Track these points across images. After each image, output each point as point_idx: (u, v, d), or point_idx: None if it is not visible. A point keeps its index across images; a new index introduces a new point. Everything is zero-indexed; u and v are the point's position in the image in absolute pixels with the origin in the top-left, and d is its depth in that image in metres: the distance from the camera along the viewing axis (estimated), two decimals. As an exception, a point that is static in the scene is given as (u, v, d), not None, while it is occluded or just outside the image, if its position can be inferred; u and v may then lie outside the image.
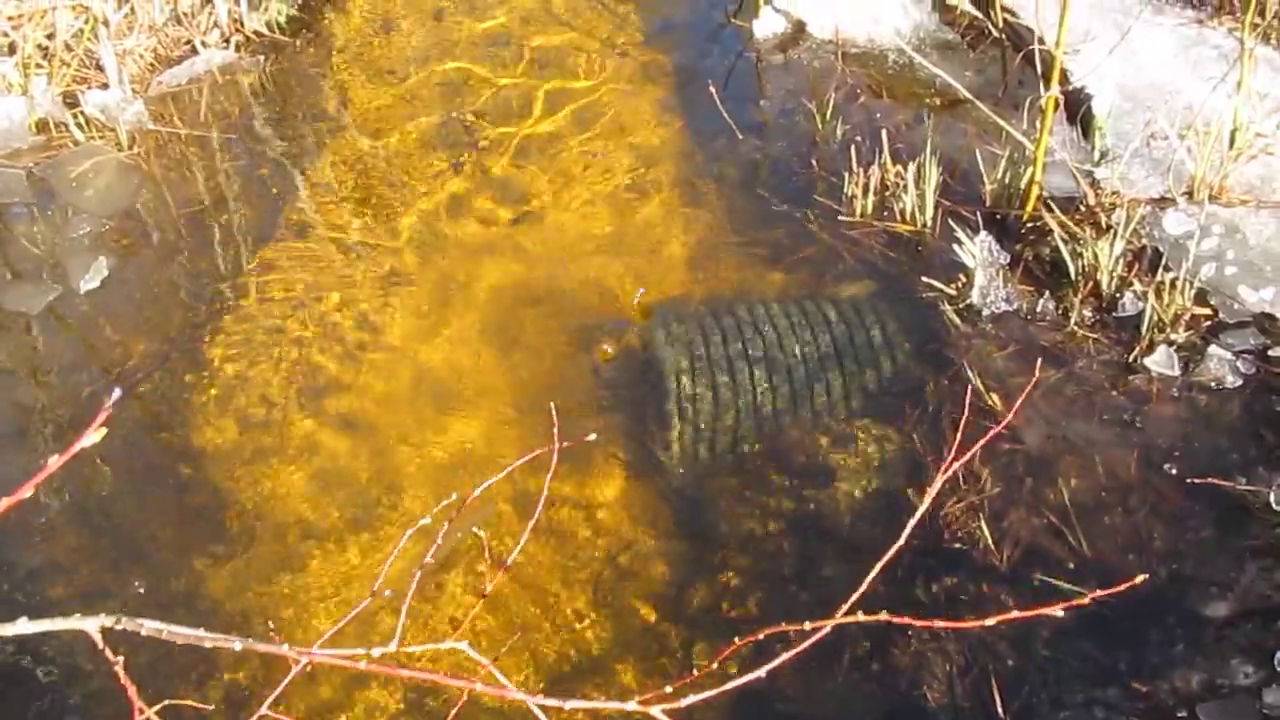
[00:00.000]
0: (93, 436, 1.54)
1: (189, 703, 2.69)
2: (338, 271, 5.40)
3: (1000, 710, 3.57)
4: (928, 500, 1.71)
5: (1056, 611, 1.43)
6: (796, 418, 4.50)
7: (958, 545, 3.98)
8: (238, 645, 1.67)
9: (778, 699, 3.70)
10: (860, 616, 1.48)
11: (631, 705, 1.43)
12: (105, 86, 6.37)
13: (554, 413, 2.55)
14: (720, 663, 1.69)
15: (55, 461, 1.51)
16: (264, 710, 1.82)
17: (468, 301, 5.18)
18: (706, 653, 3.76)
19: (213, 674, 3.93)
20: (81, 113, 6.25)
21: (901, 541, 1.68)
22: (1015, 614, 1.53)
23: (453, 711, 2.52)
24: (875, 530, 4.10)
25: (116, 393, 1.62)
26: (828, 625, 1.50)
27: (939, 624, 1.61)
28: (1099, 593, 1.67)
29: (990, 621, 1.50)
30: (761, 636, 1.61)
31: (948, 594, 3.87)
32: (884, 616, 1.48)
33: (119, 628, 1.79)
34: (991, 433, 2.17)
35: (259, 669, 3.94)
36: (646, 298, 5.03)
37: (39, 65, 6.33)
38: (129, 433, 4.78)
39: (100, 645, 1.78)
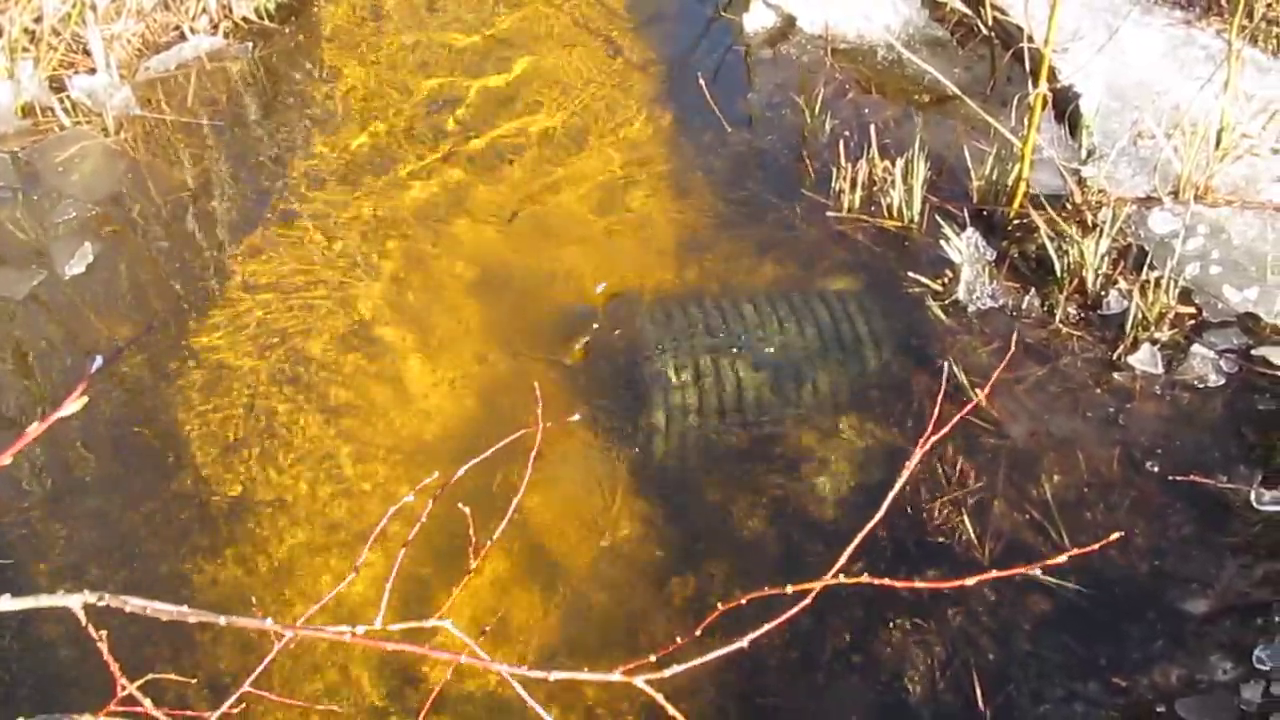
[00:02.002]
0: (73, 405, 1.53)
1: (171, 676, 2.68)
2: (324, 259, 5.38)
3: (981, 703, 3.58)
4: (906, 473, 1.72)
5: (1035, 570, 1.44)
6: (781, 409, 4.51)
7: (941, 539, 3.99)
8: (222, 621, 1.67)
9: (759, 692, 3.71)
10: (843, 579, 1.48)
11: (615, 676, 1.43)
12: (92, 71, 6.34)
13: (538, 393, 2.55)
14: (702, 630, 1.68)
15: (35, 429, 1.51)
16: (246, 687, 1.82)
17: (454, 290, 5.18)
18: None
19: (194, 660, 3.93)
20: (68, 97, 6.23)
21: (883, 513, 1.69)
22: (994, 573, 1.54)
23: (435, 690, 2.52)
24: (858, 521, 4.08)
25: (98, 361, 1.62)
26: (812, 588, 1.51)
27: (919, 584, 1.61)
28: (1074, 551, 1.68)
29: (970, 582, 1.52)
30: (744, 601, 1.61)
31: (930, 587, 3.88)
32: (865, 578, 1.49)
33: (102, 604, 1.78)
34: (968, 408, 2.18)
35: (240, 651, 3.93)
36: (625, 288, 5.04)
37: (25, 49, 6.30)
38: (112, 419, 4.76)
39: (84, 622, 1.77)
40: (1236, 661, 3.59)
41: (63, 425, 4.61)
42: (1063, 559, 1.58)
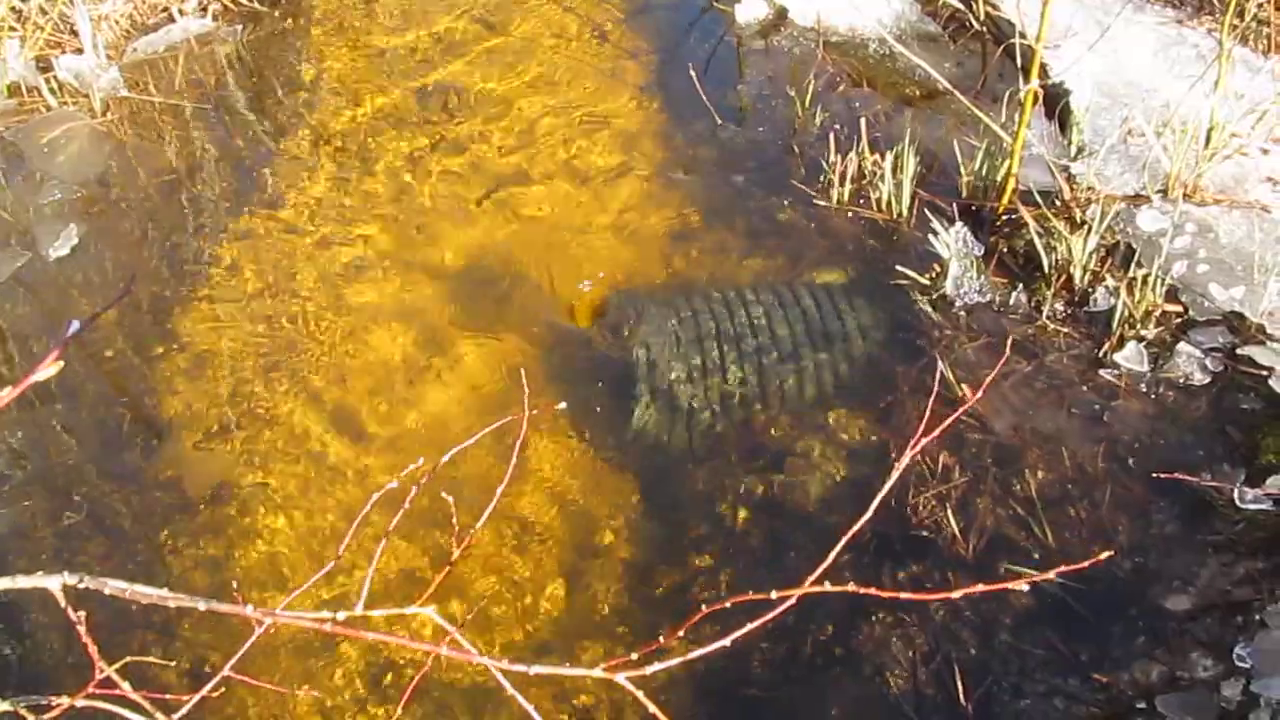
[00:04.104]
0: (48, 370, 1.52)
1: (151, 659, 2.67)
2: (310, 244, 5.36)
3: (962, 698, 3.59)
4: (895, 475, 1.71)
5: (1022, 586, 1.44)
6: (767, 402, 4.50)
7: (924, 534, 3.99)
8: (201, 606, 1.66)
9: (742, 685, 3.71)
10: (827, 586, 1.48)
11: (596, 672, 1.42)
12: (80, 52, 6.30)
13: (524, 380, 2.54)
14: (685, 630, 1.68)
15: (9, 393, 1.49)
16: (226, 671, 1.81)
17: (439, 277, 5.16)
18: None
19: (174, 645, 3.91)
20: (55, 78, 6.19)
21: (870, 514, 1.68)
22: (980, 587, 1.53)
23: (415, 678, 2.51)
24: (843, 516, 4.11)
25: (74, 325, 1.59)
26: (794, 595, 1.50)
27: (904, 595, 1.60)
28: (1064, 568, 1.67)
29: (956, 595, 1.51)
30: (728, 605, 1.60)
31: (914, 582, 3.88)
32: (851, 587, 1.48)
33: (82, 586, 1.77)
34: (959, 411, 2.17)
35: (221, 637, 3.92)
36: (612, 278, 5.01)
37: (12, 28, 6.26)
38: (95, 402, 4.74)
39: (63, 603, 1.76)
40: (1217, 659, 3.60)
41: (45, 409, 4.60)
42: (1051, 575, 1.58)
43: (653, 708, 1.39)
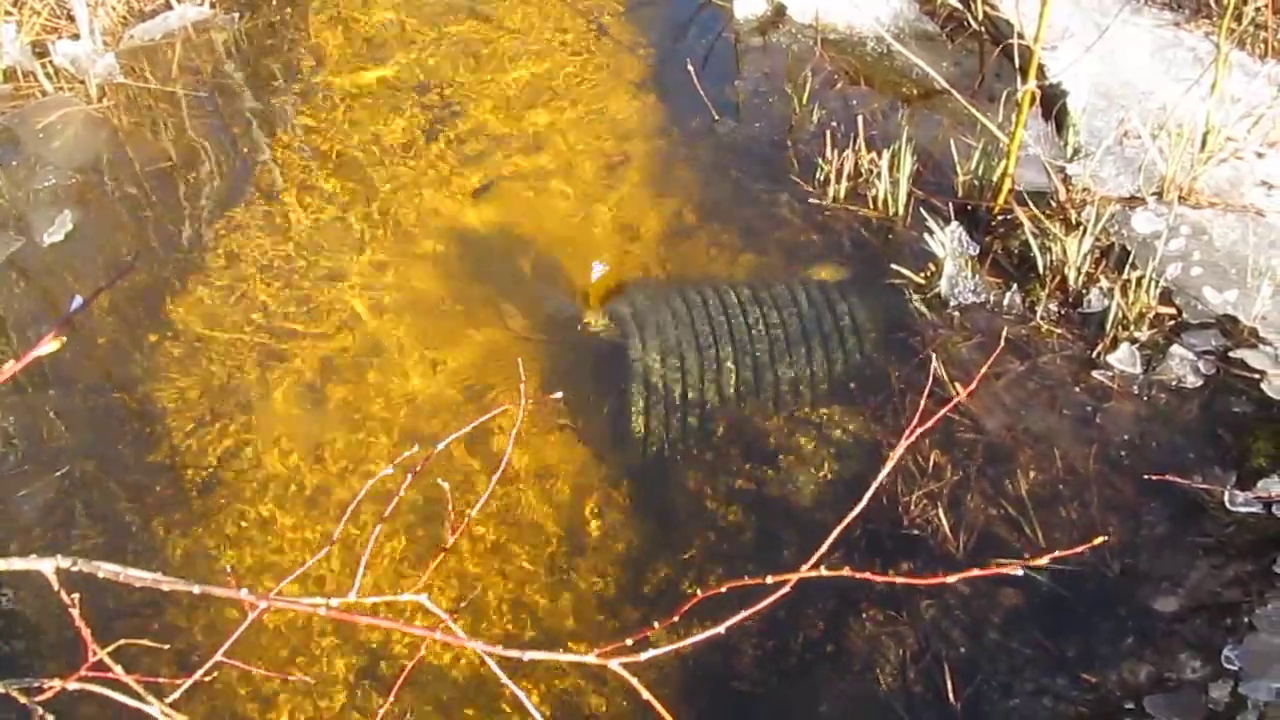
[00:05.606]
0: (49, 345, 1.51)
1: (144, 642, 2.67)
2: (305, 234, 5.35)
3: (952, 696, 3.59)
4: (889, 466, 1.72)
5: (1016, 571, 1.44)
6: (761, 399, 4.51)
7: (916, 532, 4.00)
8: (196, 589, 1.66)
9: (731, 679, 3.71)
10: (823, 570, 1.48)
11: (589, 658, 1.42)
12: (76, 37, 6.28)
13: (520, 370, 2.54)
14: (679, 617, 1.68)
15: (10, 367, 1.49)
16: (219, 656, 1.81)
17: (434, 269, 5.16)
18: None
19: (166, 631, 3.91)
20: (51, 63, 6.17)
21: (863, 505, 1.69)
22: (975, 571, 1.54)
23: (407, 667, 2.51)
24: (835, 512, 4.11)
25: (77, 301, 1.58)
26: (790, 579, 1.50)
27: (899, 580, 1.60)
28: (1057, 553, 1.68)
29: (951, 579, 1.51)
30: (723, 590, 1.61)
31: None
32: (846, 571, 1.48)
33: (75, 569, 1.77)
34: (951, 404, 2.18)
35: (213, 623, 3.92)
36: (610, 278, 5.00)
37: (9, 12, 6.24)
38: (89, 389, 4.73)
39: (55, 586, 1.76)
40: (1205, 660, 3.61)
41: (39, 395, 4.59)
42: (1044, 561, 1.58)
43: (646, 693, 1.39)
